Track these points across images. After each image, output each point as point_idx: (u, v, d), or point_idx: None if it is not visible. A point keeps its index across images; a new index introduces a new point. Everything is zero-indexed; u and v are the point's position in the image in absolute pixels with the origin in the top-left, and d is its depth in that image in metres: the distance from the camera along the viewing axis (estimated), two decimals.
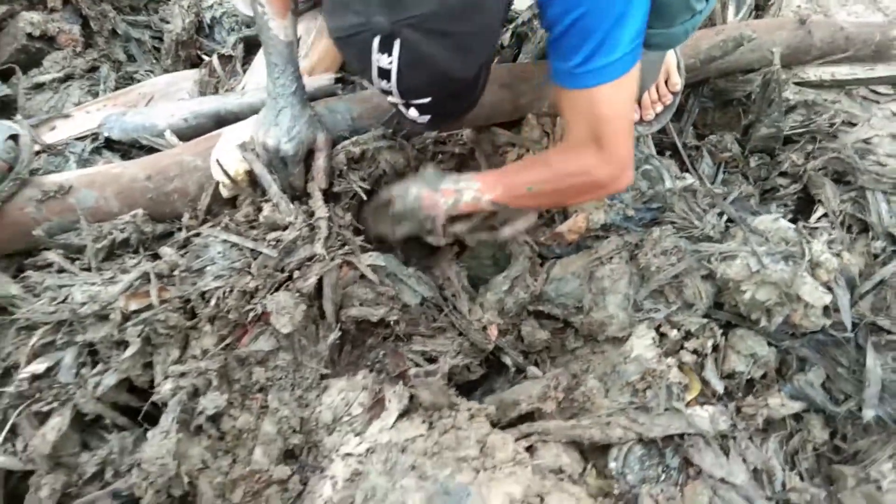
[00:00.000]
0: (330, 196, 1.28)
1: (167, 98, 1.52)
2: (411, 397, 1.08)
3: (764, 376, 1.25)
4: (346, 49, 0.94)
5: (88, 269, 1.18)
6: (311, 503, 1.00)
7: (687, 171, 1.49)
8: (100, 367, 1.08)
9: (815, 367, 1.26)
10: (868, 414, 1.19)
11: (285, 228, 1.19)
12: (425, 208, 1.20)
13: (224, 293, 1.12)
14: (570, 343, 1.37)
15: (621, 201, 1.38)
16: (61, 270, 1.21)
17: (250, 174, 1.22)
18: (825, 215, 1.44)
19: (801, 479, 1.17)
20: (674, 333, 1.24)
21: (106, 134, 1.42)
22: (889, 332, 1.26)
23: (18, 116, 1.42)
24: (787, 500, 1.10)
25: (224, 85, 1.54)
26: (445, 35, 0.85)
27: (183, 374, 1.07)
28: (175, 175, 1.26)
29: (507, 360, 1.34)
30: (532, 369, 1.27)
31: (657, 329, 1.25)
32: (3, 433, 1.00)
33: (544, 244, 1.42)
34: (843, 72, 1.70)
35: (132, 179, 1.25)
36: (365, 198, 1.29)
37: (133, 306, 1.10)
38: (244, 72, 1.57)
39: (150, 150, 1.39)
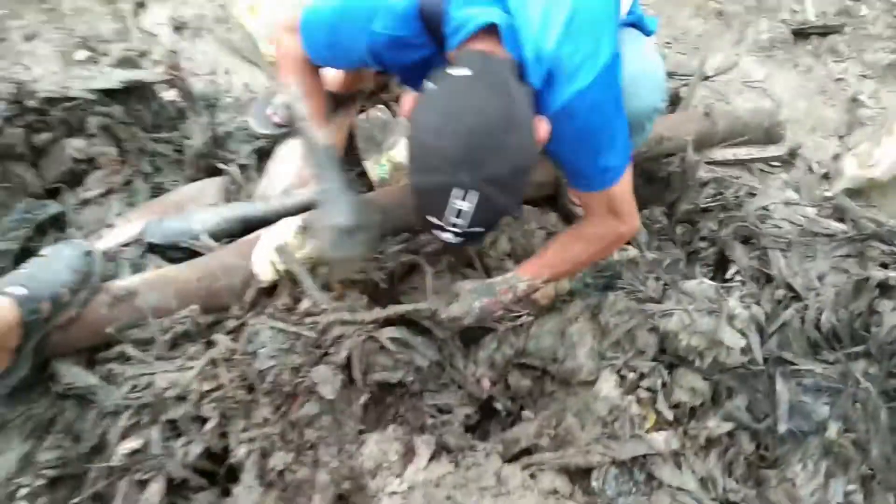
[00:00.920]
0: (348, 283, 1.58)
1: (195, 203, 1.77)
2: (436, 443, 1.37)
3: (702, 404, 1.55)
4: (426, 195, 1.10)
5: (160, 359, 1.43)
6: None
7: (628, 243, 1.84)
8: (183, 439, 1.32)
9: (739, 395, 1.57)
10: (782, 428, 1.52)
11: (320, 314, 1.47)
12: (492, 314, 1.51)
13: (278, 370, 1.39)
14: (549, 388, 1.65)
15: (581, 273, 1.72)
16: (127, 358, 1.45)
17: (287, 272, 1.50)
18: (738, 272, 1.80)
19: (737, 483, 1.49)
20: (631, 375, 1.55)
21: (148, 239, 1.65)
22: (792, 364, 1.60)
23: (72, 229, 1.67)
24: (727, 500, 1.43)
25: (244, 190, 1.82)
26: (511, 186, 1.09)
27: (252, 440, 1.33)
28: (222, 275, 1.52)
29: (499, 406, 1.64)
30: (525, 413, 1.57)
31: (618, 372, 1.56)
32: (117, 500, 1.24)
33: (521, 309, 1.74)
34: (742, 152, 2.12)
35: (186, 280, 1.50)
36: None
37: (206, 387, 1.36)
38: (260, 177, 1.86)
39: (189, 251, 1.64)
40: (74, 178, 1.76)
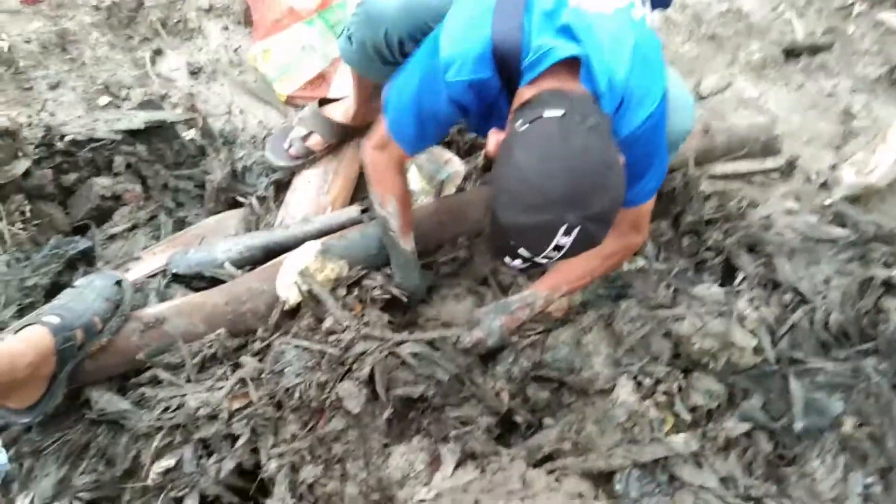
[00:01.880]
0: (369, 301, 1.63)
1: (217, 235, 1.85)
2: (461, 451, 1.40)
3: (719, 406, 1.59)
4: (528, 232, 1.09)
5: (190, 381, 1.48)
6: None
7: (637, 254, 1.90)
8: (215, 456, 1.36)
9: (755, 395, 1.60)
10: (798, 425, 1.55)
11: (343, 331, 1.53)
12: (511, 330, 1.58)
13: (305, 387, 1.43)
14: (567, 399, 1.68)
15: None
16: (158, 382, 1.50)
17: (310, 293, 1.56)
18: (745, 279, 1.85)
19: (757, 480, 1.52)
20: (647, 381, 1.58)
21: (173, 270, 1.72)
22: (804, 363, 1.65)
23: (100, 263, 1.74)
24: (749, 496, 1.46)
25: (263, 220, 1.89)
26: (609, 220, 1.11)
27: (281, 455, 1.37)
28: (247, 299, 1.58)
29: (519, 419, 1.67)
30: (547, 420, 1.60)
31: (634, 379, 1.59)
32: None
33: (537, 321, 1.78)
34: (742, 165, 2.19)
35: (214, 306, 1.56)
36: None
37: (235, 405, 1.41)
38: (277, 207, 1.93)
39: (213, 279, 1.71)
40: (101, 215, 1.84)
